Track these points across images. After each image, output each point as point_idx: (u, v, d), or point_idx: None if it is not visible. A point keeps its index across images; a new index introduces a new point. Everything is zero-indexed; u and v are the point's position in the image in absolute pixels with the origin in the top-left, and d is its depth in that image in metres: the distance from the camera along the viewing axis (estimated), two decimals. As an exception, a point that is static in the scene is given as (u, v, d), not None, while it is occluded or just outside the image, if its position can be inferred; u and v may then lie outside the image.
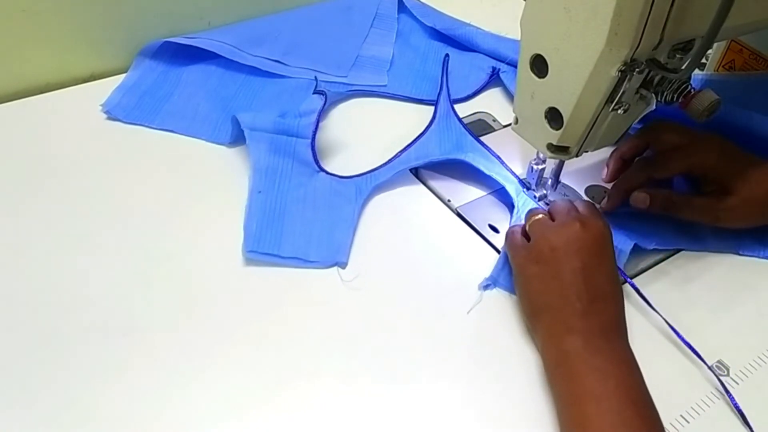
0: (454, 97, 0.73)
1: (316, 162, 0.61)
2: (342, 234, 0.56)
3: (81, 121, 0.66)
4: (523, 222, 0.55)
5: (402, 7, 0.84)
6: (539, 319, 0.48)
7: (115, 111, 0.66)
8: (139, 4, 0.71)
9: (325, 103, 0.63)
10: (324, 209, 0.58)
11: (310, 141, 0.61)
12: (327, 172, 0.61)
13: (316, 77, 0.65)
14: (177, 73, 0.71)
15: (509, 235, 0.53)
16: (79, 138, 0.64)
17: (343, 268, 0.54)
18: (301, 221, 0.56)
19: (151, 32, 0.73)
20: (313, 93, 0.64)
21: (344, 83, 0.73)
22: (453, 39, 0.81)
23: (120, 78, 0.71)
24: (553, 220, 0.51)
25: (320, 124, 0.64)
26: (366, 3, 0.83)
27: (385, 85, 0.74)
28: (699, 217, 0.57)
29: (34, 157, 0.61)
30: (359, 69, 0.75)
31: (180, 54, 0.72)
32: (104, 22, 0.70)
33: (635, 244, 0.55)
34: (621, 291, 0.49)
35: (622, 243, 0.55)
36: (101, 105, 0.67)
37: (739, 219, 0.56)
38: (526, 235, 0.53)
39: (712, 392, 0.47)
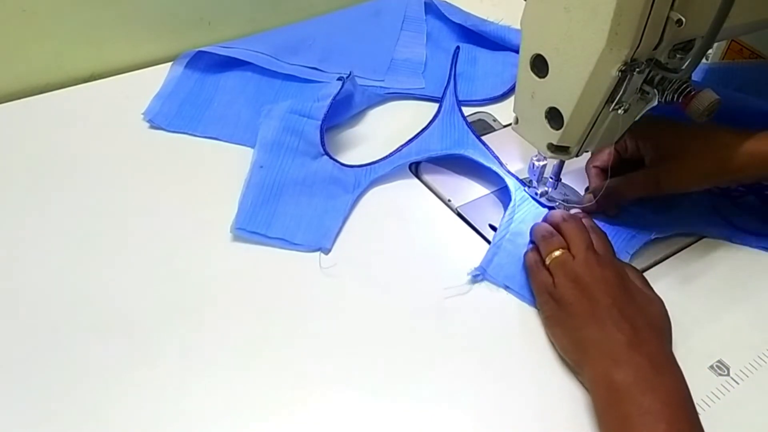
0: (488, 95, 0.73)
1: (322, 144, 0.61)
2: (331, 221, 0.57)
3: (81, 121, 0.66)
4: (515, 216, 0.56)
5: (428, 9, 0.84)
6: (584, 356, 0.47)
7: (157, 119, 0.66)
8: (139, 4, 0.71)
9: (341, 88, 0.63)
10: (320, 196, 0.58)
11: (320, 122, 0.62)
12: (330, 156, 0.62)
13: (351, 72, 0.66)
14: (214, 80, 0.71)
15: (534, 274, 0.52)
16: (79, 138, 0.64)
17: (326, 253, 0.54)
18: (295, 204, 0.57)
19: (150, 32, 0.73)
20: (337, 80, 0.65)
21: (382, 86, 0.73)
22: (482, 40, 0.81)
23: (120, 78, 0.71)
24: (568, 247, 0.51)
25: (343, 122, 0.65)
26: (393, 6, 0.83)
27: (423, 88, 0.74)
28: (643, 191, 0.57)
29: (34, 158, 0.61)
30: (395, 72, 0.75)
31: (215, 61, 0.72)
32: (104, 22, 0.70)
33: (634, 241, 0.56)
34: (660, 322, 0.48)
35: (628, 242, 0.56)
36: (143, 114, 0.66)
37: (679, 180, 0.56)
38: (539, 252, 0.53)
39: (712, 392, 0.47)
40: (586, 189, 0.62)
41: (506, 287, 0.53)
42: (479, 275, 0.54)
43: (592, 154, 0.62)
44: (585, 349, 0.46)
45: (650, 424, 0.41)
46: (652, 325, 0.47)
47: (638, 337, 0.45)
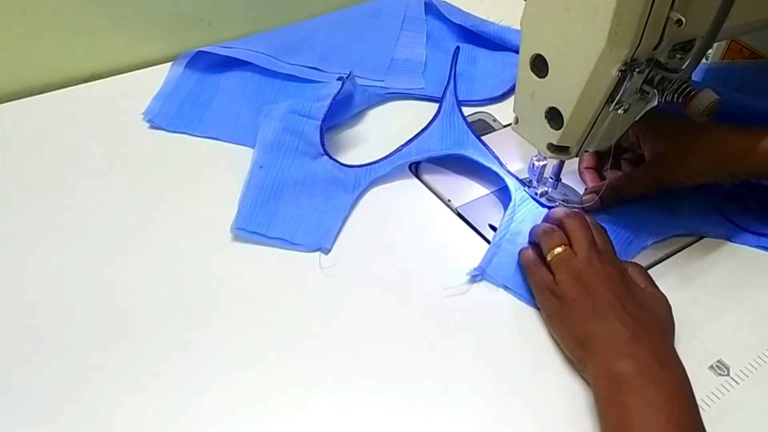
0: (488, 95, 0.74)
1: (322, 144, 0.61)
2: (331, 222, 0.57)
3: (81, 121, 0.66)
4: (515, 216, 0.57)
5: (428, 9, 0.84)
6: (587, 351, 0.46)
7: (157, 119, 0.66)
8: (139, 4, 0.71)
9: (341, 88, 0.63)
10: (320, 197, 0.59)
11: (319, 122, 0.62)
12: (330, 156, 0.62)
13: (350, 72, 0.66)
14: (214, 80, 0.71)
15: (532, 273, 0.52)
16: (79, 138, 0.64)
17: (326, 253, 0.55)
18: (295, 205, 0.57)
19: (150, 32, 0.73)
20: (337, 79, 0.65)
21: (382, 86, 0.73)
22: (482, 40, 0.81)
23: (120, 78, 0.71)
24: (570, 244, 0.51)
25: (343, 122, 0.65)
26: (393, 6, 0.83)
27: (422, 88, 0.74)
28: (644, 187, 0.58)
29: (34, 158, 0.61)
30: (395, 72, 0.75)
31: (215, 61, 0.72)
32: (104, 22, 0.70)
33: (632, 246, 0.57)
34: (663, 319, 0.49)
35: (627, 248, 0.56)
36: (143, 114, 0.66)
37: (678, 175, 0.56)
38: (539, 250, 0.53)
39: (712, 392, 0.47)
40: (586, 189, 0.62)
41: (505, 287, 0.53)
42: (478, 275, 0.54)
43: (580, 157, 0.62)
44: (588, 344, 0.46)
45: (651, 415, 0.41)
46: (655, 321, 0.47)
47: (641, 331, 0.45)
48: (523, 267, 0.54)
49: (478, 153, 0.63)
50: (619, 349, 0.44)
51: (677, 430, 0.40)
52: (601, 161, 0.63)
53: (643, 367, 0.43)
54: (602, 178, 0.62)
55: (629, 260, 0.55)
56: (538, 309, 0.52)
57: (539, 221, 0.56)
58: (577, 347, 0.47)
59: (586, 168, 0.63)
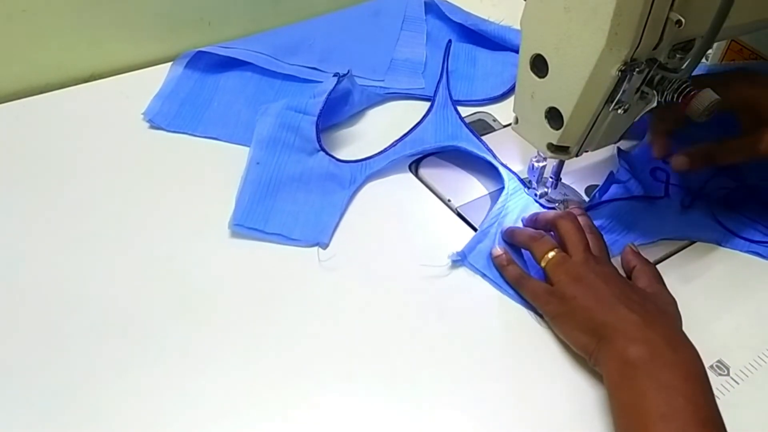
0: (488, 95, 0.74)
1: (318, 140, 0.61)
2: (328, 217, 0.57)
3: (81, 121, 0.66)
4: (507, 205, 0.58)
5: (428, 9, 0.84)
6: (598, 343, 0.46)
7: (157, 119, 0.66)
8: (139, 4, 0.71)
9: (336, 85, 0.63)
10: (317, 193, 0.59)
11: (315, 118, 0.62)
12: (326, 152, 0.62)
13: (349, 70, 0.66)
14: (214, 80, 0.71)
15: (524, 285, 0.52)
16: (79, 138, 0.64)
17: (324, 248, 0.55)
18: (292, 200, 0.58)
19: (150, 32, 0.73)
20: (333, 75, 0.64)
21: (382, 86, 0.73)
22: (482, 39, 0.81)
23: (120, 78, 0.71)
24: (563, 246, 0.51)
25: (343, 121, 0.65)
26: (393, 6, 0.83)
27: (423, 88, 0.74)
28: (738, 156, 0.57)
29: (34, 158, 0.61)
30: (395, 72, 0.75)
31: (215, 61, 0.72)
32: (104, 22, 0.70)
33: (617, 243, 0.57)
34: (669, 309, 0.49)
35: (611, 246, 0.56)
36: (143, 114, 0.66)
37: None
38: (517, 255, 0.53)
39: (711, 392, 0.47)
40: (587, 188, 0.63)
41: (483, 275, 0.53)
42: (459, 260, 0.54)
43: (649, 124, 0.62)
44: (600, 334, 0.46)
45: (668, 398, 0.40)
46: (661, 310, 0.47)
47: (650, 316, 0.45)
48: (512, 284, 0.53)
49: (472, 146, 0.64)
50: (631, 334, 0.44)
51: (695, 411, 0.40)
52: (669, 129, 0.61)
53: (656, 352, 0.43)
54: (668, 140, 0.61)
55: (614, 256, 0.55)
56: (529, 305, 0.52)
57: (531, 211, 0.57)
58: (589, 341, 0.47)
59: (657, 133, 0.61)
